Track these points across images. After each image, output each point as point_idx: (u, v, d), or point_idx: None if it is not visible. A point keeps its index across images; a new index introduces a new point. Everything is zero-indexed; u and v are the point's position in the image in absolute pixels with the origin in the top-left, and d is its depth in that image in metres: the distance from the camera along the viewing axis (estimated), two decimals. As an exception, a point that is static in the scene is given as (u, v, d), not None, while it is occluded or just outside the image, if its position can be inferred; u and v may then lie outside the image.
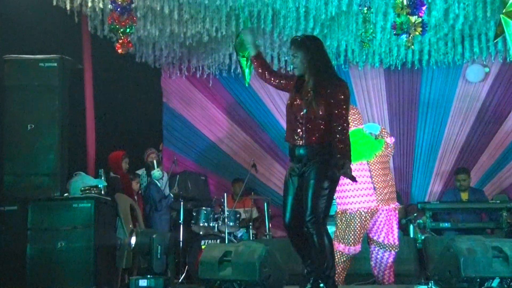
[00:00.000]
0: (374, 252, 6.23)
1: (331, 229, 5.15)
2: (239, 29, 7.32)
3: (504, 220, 7.61)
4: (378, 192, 6.03)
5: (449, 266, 4.98)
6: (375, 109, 9.51)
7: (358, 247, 6.08)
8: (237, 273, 5.07)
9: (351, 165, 4.31)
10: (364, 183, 5.97)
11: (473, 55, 8.67)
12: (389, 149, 6.25)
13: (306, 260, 4.57)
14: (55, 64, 6.35)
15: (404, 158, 9.44)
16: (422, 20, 5.72)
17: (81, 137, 7.71)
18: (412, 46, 5.95)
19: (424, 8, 5.74)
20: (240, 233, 8.47)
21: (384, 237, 6.13)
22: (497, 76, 9.27)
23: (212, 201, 8.80)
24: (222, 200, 8.09)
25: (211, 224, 8.10)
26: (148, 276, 5.85)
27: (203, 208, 8.23)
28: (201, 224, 8.12)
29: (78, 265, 5.94)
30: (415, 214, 7.97)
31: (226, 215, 7.95)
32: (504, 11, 5.68)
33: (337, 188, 5.10)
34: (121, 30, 6.06)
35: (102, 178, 6.71)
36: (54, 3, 6.93)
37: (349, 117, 4.46)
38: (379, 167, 6.09)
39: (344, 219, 6.04)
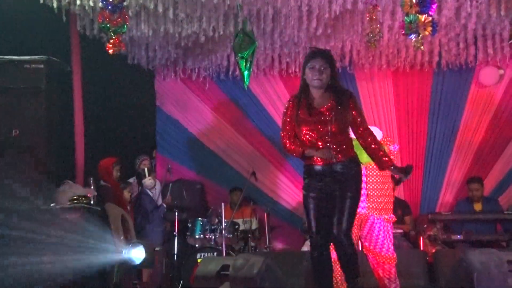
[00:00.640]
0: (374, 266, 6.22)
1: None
2: (237, 29, 7.34)
3: (520, 232, 7.63)
4: (371, 199, 6.02)
5: (462, 281, 4.98)
6: (382, 114, 9.51)
7: None
8: (235, 288, 5.07)
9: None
10: None
11: (486, 57, 8.68)
12: (392, 156, 6.24)
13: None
14: (42, 66, 6.36)
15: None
16: (432, 19, 5.73)
17: (69, 143, 7.71)
18: (422, 47, 5.96)
19: (434, 6, 5.74)
20: (238, 245, 8.46)
21: (380, 247, 6.13)
22: (512, 78, 9.30)
23: (208, 211, 8.80)
24: (220, 211, 8.09)
25: (207, 236, 8.09)
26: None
27: (199, 219, 8.23)
28: (197, 236, 8.12)
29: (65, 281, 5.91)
30: (425, 226, 7.97)
31: (223, 226, 7.95)
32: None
33: None
34: (112, 29, 6.06)
35: (92, 187, 6.70)
36: (41, 1, 6.95)
37: None
38: (377, 174, 6.08)
39: None
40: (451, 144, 9.41)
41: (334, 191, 4.65)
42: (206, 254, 7.84)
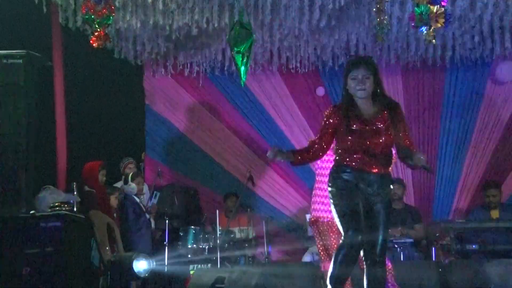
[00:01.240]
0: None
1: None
2: (233, 21, 7.34)
3: (541, 241, 7.61)
4: None
5: (478, 295, 4.97)
6: (390, 113, 9.50)
7: None
8: (231, 303, 5.07)
9: None
10: None
11: (504, 51, 8.68)
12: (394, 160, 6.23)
13: None
14: (21, 61, 6.36)
15: (424, 170, 9.42)
16: (445, 10, 5.73)
17: (51, 144, 7.70)
18: (434, 41, 5.95)
19: (447, -4, 5.76)
20: (234, 256, 8.45)
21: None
22: (531, 74, 9.30)
23: (202, 219, 8.79)
24: (214, 218, 8.07)
25: (201, 246, 8.08)
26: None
27: (192, 227, 8.22)
28: (190, 246, 8.10)
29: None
30: (437, 235, 7.95)
31: (218, 235, 7.93)
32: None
33: (319, 193, 5.63)
34: (97, 21, 6.07)
35: (75, 192, 6.69)
36: (20, -10, 6.96)
37: None
38: None
39: (319, 228, 6.02)
40: (466, 146, 9.41)
41: (374, 203, 4.70)
42: (199, 265, 7.83)
